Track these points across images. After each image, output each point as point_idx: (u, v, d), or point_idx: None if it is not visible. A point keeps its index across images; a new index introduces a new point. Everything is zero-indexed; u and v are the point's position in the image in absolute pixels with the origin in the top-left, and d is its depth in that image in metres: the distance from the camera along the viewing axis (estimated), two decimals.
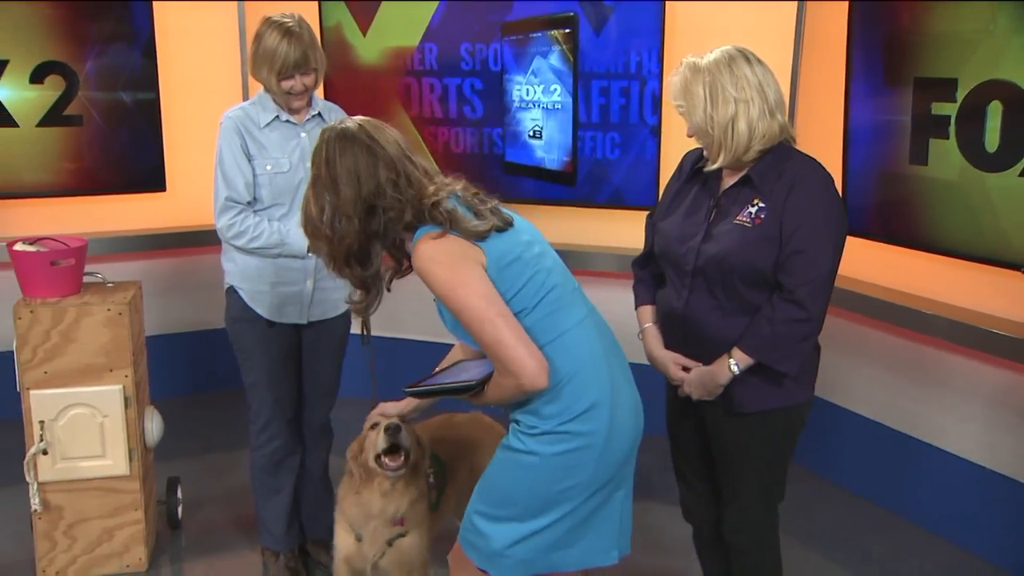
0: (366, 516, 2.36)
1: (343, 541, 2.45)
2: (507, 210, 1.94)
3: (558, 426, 1.84)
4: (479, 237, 1.81)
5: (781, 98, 2.09)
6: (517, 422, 1.92)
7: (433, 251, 1.78)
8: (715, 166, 2.11)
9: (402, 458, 2.28)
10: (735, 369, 2.08)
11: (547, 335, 1.83)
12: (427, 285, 1.81)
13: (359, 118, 1.92)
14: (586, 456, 1.85)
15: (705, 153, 2.16)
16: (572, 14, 3.70)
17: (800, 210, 2.02)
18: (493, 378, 1.83)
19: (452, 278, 1.77)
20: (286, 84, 2.62)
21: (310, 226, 1.89)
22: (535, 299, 1.84)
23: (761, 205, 2.06)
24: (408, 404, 2.30)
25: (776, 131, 2.07)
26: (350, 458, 2.39)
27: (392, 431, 2.25)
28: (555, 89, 3.79)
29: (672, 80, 2.13)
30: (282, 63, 2.57)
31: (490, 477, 1.96)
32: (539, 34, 3.80)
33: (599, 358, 1.89)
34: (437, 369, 2.08)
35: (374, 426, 2.31)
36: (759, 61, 2.08)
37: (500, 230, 1.85)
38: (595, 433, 1.85)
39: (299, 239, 2.63)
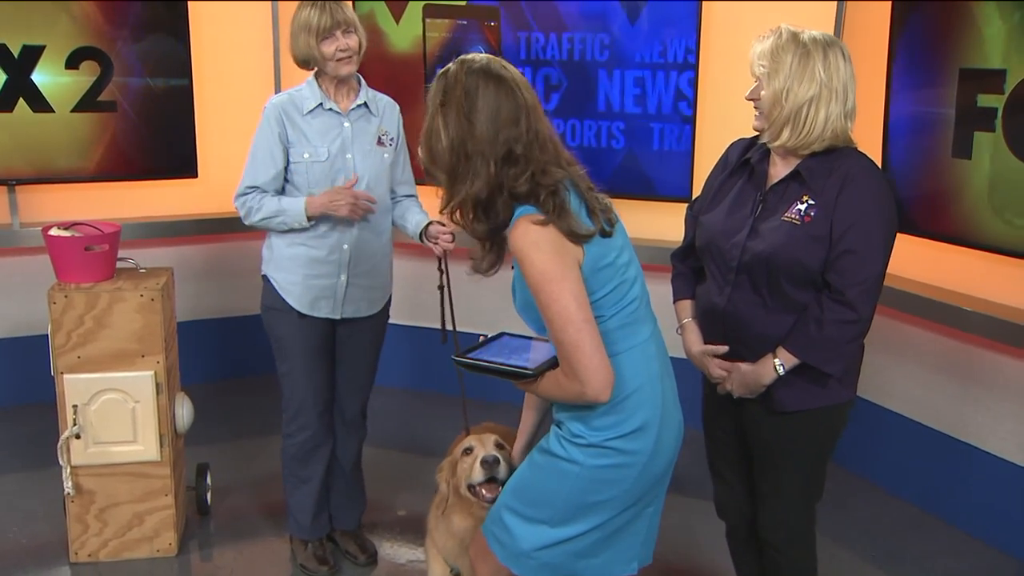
0: (462, 548, 2.19)
1: (436, 575, 2.30)
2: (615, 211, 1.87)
3: (605, 441, 1.80)
4: (576, 239, 1.72)
5: (855, 108, 2.03)
6: (560, 425, 1.87)
7: (538, 236, 1.70)
8: (775, 144, 2.03)
9: (499, 488, 2.11)
10: (780, 370, 2.04)
11: (614, 347, 1.79)
12: (521, 267, 1.73)
13: (485, 54, 1.80)
14: (625, 473, 1.82)
15: (757, 124, 2.07)
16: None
17: (852, 209, 1.96)
18: (554, 375, 1.77)
19: (551, 270, 1.69)
20: (328, 47, 2.58)
21: (432, 160, 1.78)
22: (613, 309, 1.79)
23: (811, 202, 2.00)
24: (520, 435, 2.18)
25: (843, 137, 2.02)
26: (442, 479, 2.25)
27: (490, 464, 2.10)
28: None
29: (761, 43, 2.03)
30: (317, 24, 2.56)
31: (525, 477, 1.93)
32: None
33: (656, 378, 1.85)
34: (482, 338, 1.97)
35: (468, 451, 2.17)
36: (848, 59, 2.02)
37: (605, 234, 1.78)
38: (639, 453, 1.82)
39: (296, 207, 2.61)
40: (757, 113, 2.08)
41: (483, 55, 1.79)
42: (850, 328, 1.98)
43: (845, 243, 1.96)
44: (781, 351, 2.04)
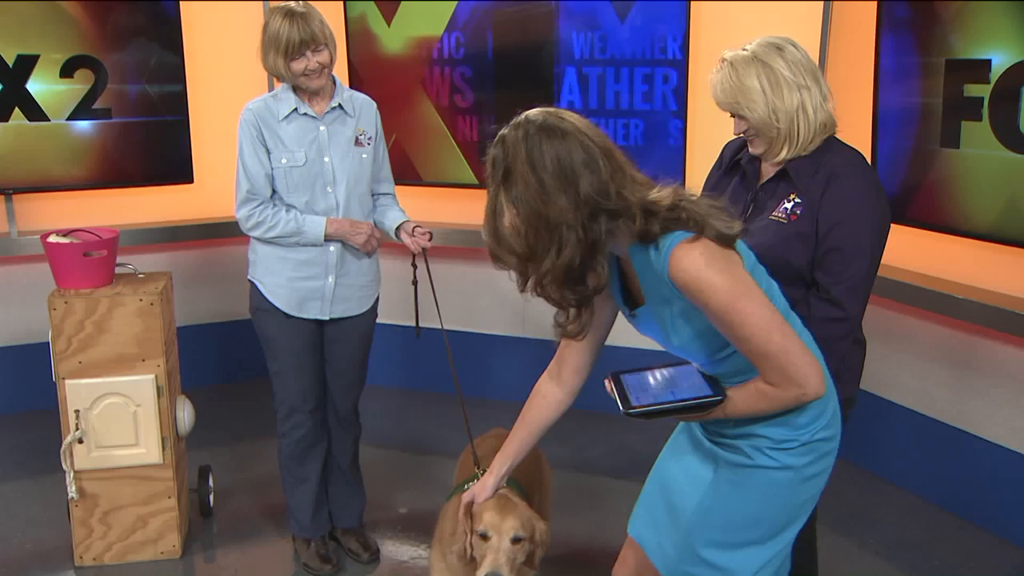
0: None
1: None
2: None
3: (815, 435, 1.73)
4: (731, 242, 1.61)
5: (829, 88, 2.02)
6: (753, 436, 1.74)
7: (708, 258, 1.55)
8: (776, 159, 2.02)
9: None
10: None
11: None
12: (702, 296, 1.57)
13: (540, 109, 1.62)
14: (830, 460, 1.78)
15: (754, 149, 2.05)
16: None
17: (837, 206, 1.95)
18: (752, 390, 1.65)
19: (735, 286, 1.55)
20: (297, 65, 2.58)
21: (497, 242, 1.61)
22: (778, 305, 1.67)
23: (797, 200, 1.99)
24: (496, 473, 2.00)
25: (831, 123, 2.01)
26: (442, 517, 2.16)
27: None
28: None
29: (714, 79, 2.00)
30: (286, 42, 2.54)
31: (722, 505, 1.79)
32: None
33: (823, 361, 1.75)
34: (608, 383, 1.78)
35: (484, 536, 1.98)
36: (799, 47, 2.01)
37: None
38: (837, 435, 1.78)
39: (315, 227, 2.65)
40: (752, 142, 2.05)
41: (538, 111, 1.62)
42: (837, 326, 1.96)
43: (831, 241, 1.95)
44: None
